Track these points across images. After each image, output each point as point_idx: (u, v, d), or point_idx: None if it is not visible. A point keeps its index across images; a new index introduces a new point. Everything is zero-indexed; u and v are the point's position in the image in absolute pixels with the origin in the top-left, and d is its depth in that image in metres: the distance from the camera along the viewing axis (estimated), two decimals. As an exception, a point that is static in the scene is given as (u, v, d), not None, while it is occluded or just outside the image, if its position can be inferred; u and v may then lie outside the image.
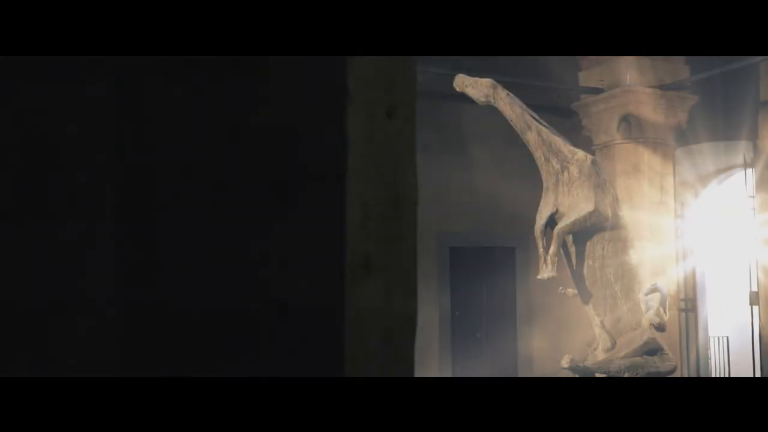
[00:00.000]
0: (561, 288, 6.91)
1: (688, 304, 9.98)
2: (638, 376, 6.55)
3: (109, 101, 1.46)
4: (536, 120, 6.68)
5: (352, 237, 1.51)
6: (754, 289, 8.99)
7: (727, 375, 9.65)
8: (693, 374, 9.70)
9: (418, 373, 1.64)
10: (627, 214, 7.13)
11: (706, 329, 10.24)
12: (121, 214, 1.45)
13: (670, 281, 8.87)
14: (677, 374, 7.37)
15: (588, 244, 6.55)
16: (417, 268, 1.75)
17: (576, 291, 6.80)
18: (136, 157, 1.45)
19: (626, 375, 6.54)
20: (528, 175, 7.43)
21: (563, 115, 9.45)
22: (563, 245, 6.56)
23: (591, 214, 6.37)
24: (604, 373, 6.57)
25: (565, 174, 6.50)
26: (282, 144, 1.49)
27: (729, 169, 10.20)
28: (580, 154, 6.59)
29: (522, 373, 10.17)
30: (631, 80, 8.96)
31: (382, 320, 1.66)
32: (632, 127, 9.02)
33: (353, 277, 1.52)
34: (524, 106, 6.72)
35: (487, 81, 6.78)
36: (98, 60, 1.46)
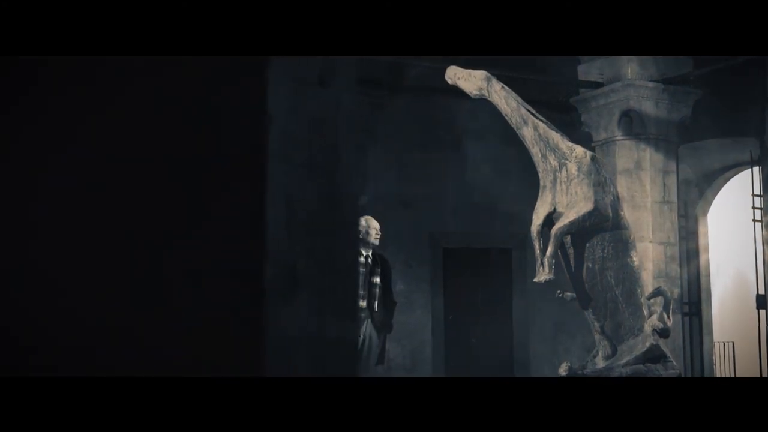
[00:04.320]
0: (559, 291, 6.66)
1: (692, 308, 9.85)
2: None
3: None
4: (533, 114, 6.47)
5: (274, 242, 1.16)
6: (761, 291, 8.79)
7: (732, 381, 9.46)
8: (697, 381, 9.54)
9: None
10: (628, 214, 6.93)
11: (711, 334, 10.11)
12: (30, 218, 1.20)
13: (673, 284, 8.66)
14: (681, 382, 7.14)
15: (587, 245, 6.30)
16: (360, 284, 1.41)
17: (574, 294, 6.55)
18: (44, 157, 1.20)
19: (628, 384, 6.31)
20: (525, 174, 7.26)
21: (561, 111, 9.28)
22: (561, 246, 6.31)
23: (590, 213, 6.14)
24: (604, 381, 6.35)
25: (563, 171, 6.28)
26: (185, 120, 1.14)
27: (735, 166, 10.11)
28: (579, 150, 6.36)
29: (519, 379, 10.04)
30: (633, 74, 8.73)
31: (314, 349, 1.30)
32: (634, 122, 8.78)
33: (276, 294, 1.18)
34: (520, 100, 6.50)
35: (480, 73, 6.56)
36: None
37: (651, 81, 8.73)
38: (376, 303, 7.07)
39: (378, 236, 7.24)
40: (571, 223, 6.13)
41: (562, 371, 6.38)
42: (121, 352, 1.22)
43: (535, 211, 6.39)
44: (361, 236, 7.15)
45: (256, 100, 1.15)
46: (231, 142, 1.15)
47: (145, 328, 1.19)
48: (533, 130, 6.40)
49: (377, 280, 7.10)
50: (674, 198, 8.90)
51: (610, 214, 6.27)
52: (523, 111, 6.45)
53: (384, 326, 7.20)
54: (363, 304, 7.00)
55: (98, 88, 1.24)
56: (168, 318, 1.16)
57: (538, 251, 6.12)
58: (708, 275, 10.40)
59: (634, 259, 6.46)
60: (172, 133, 1.13)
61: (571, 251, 6.38)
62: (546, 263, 6.07)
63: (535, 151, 6.44)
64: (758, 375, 8.85)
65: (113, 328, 1.20)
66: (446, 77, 6.69)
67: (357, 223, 1.30)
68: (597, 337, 6.54)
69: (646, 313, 6.49)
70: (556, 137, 6.40)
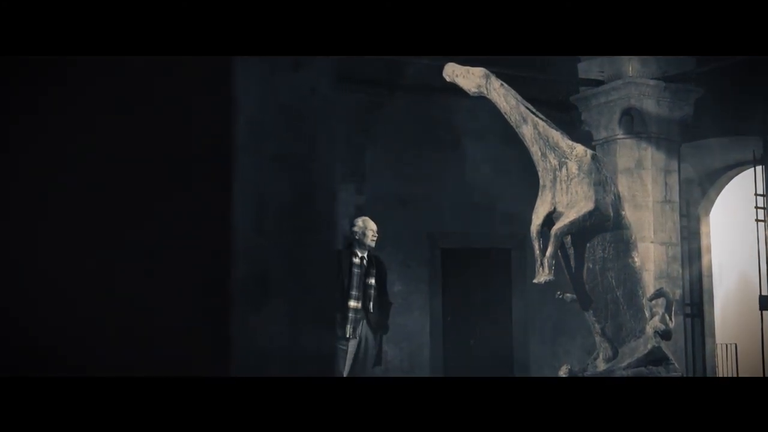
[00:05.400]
0: (559, 293, 6.54)
1: (694, 309, 9.74)
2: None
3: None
4: (532, 112, 6.36)
5: (242, 243, 1.05)
6: (765, 293, 8.65)
7: (735, 384, 9.37)
8: (699, 383, 9.44)
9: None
10: (629, 214, 6.80)
11: (713, 336, 10.00)
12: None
13: (675, 285, 8.55)
14: (683, 385, 7.03)
15: (588, 245, 6.18)
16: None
17: (575, 296, 6.43)
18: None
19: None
20: (524, 173, 7.17)
21: (561, 109, 9.18)
22: (561, 247, 6.19)
23: (591, 213, 6.03)
24: (605, 384, 6.25)
25: (564, 170, 6.17)
26: (140, 108, 1.02)
27: (737, 165, 10.01)
28: (580, 149, 6.24)
29: (518, 381, 9.95)
30: (634, 72, 8.61)
31: (286, 363, 1.18)
32: (635, 121, 8.66)
33: (245, 301, 1.06)
34: (519, 98, 6.40)
35: (479, 70, 6.46)
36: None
37: (652, 79, 8.61)
38: (371, 304, 7.03)
39: (375, 238, 7.18)
40: (572, 223, 6.02)
41: (563, 373, 6.28)
42: (71, 355, 1.12)
43: (535, 210, 6.28)
44: (357, 237, 7.12)
45: (221, 85, 1.03)
46: (193, 133, 1.03)
47: (95, 333, 1.08)
48: (533, 129, 6.29)
49: (372, 281, 7.07)
50: (676, 197, 8.78)
51: (611, 214, 6.16)
52: (523, 109, 6.34)
53: (380, 327, 7.16)
54: (358, 305, 6.97)
55: (54, 87, 1.13)
56: (121, 325, 1.04)
57: (537, 251, 6.02)
58: (710, 276, 10.31)
59: (636, 259, 6.35)
60: (125, 123, 1.01)
61: (571, 251, 6.27)
62: (546, 264, 5.96)
63: (535, 150, 6.33)
64: (761, 376, 8.77)
65: (58, 329, 1.11)
66: (444, 74, 6.58)
67: (336, 222, 1.18)
68: (598, 339, 6.44)
69: (647, 314, 6.38)
70: (556, 136, 6.29)
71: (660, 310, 6.41)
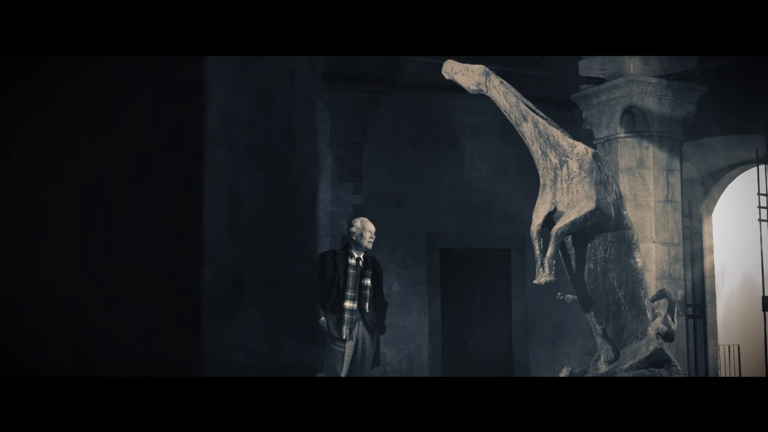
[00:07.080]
0: (559, 294, 6.48)
1: (696, 310, 9.67)
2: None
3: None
4: (533, 110, 6.25)
5: (214, 247, 0.94)
6: (767, 293, 8.57)
7: (737, 385, 9.30)
8: (701, 385, 9.37)
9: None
10: (631, 214, 6.72)
11: (715, 337, 9.94)
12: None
13: (677, 286, 8.47)
14: (686, 387, 6.94)
15: (589, 245, 6.09)
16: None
17: (575, 297, 6.35)
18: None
19: (631, 390, 6.13)
20: (524, 172, 7.10)
21: (562, 107, 9.11)
22: (562, 247, 6.11)
23: (592, 213, 5.93)
24: (606, 387, 6.16)
25: (564, 169, 6.07)
26: (105, 96, 0.92)
27: (740, 164, 9.95)
28: (581, 147, 6.14)
29: (518, 383, 9.90)
30: (635, 70, 8.51)
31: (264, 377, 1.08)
32: (636, 119, 8.57)
33: (217, 309, 0.96)
34: (519, 95, 6.30)
35: (478, 67, 6.36)
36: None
37: (654, 77, 8.52)
38: (367, 305, 7.03)
39: (372, 240, 7.15)
40: (573, 223, 5.92)
41: (563, 376, 6.23)
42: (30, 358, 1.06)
43: (535, 210, 6.18)
44: (354, 238, 7.10)
45: (191, 70, 0.93)
46: (160, 124, 0.93)
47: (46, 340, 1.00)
48: (533, 127, 6.20)
49: (368, 282, 7.07)
50: (678, 197, 8.68)
51: (613, 214, 6.06)
52: (523, 107, 6.25)
53: (376, 328, 7.16)
54: (354, 305, 6.98)
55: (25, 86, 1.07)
56: (82, 333, 0.95)
57: (538, 252, 5.92)
58: (713, 276, 10.24)
59: (638, 260, 6.25)
60: (88, 113, 0.92)
61: (572, 252, 6.19)
62: (546, 264, 5.86)
63: (535, 149, 6.23)
64: (764, 377, 8.71)
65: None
66: (443, 72, 6.49)
67: (316, 222, 1.07)
68: (599, 340, 6.34)
69: (649, 315, 6.29)
70: (556, 134, 6.19)
71: (662, 312, 6.33)
